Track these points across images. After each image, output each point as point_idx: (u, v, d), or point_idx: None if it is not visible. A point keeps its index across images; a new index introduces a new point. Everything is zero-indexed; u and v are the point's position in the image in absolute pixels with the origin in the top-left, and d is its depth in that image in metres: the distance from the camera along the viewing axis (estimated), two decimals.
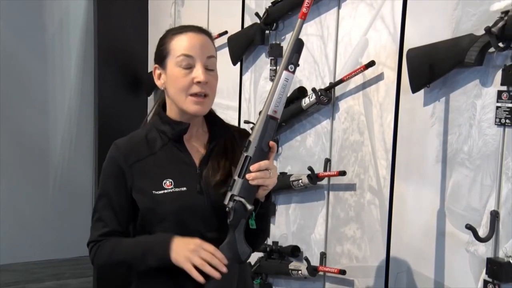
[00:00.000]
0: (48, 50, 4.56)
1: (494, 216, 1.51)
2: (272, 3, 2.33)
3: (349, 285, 2.05)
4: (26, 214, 4.48)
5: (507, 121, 1.46)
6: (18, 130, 4.44)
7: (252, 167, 1.34)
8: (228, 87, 2.71)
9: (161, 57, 1.44)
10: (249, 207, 1.35)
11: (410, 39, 1.77)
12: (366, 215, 1.97)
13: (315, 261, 2.16)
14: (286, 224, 2.35)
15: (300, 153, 2.28)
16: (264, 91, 2.47)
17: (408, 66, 1.71)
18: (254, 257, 2.27)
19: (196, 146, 1.47)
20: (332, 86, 2.06)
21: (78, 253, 4.67)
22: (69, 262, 4.58)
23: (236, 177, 1.36)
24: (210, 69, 1.42)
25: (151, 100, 3.72)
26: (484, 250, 1.54)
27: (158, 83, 1.47)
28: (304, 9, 1.39)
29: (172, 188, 1.38)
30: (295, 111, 2.18)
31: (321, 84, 2.15)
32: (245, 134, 1.56)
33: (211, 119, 1.51)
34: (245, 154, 1.36)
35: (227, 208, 1.37)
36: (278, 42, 2.37)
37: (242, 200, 1.35)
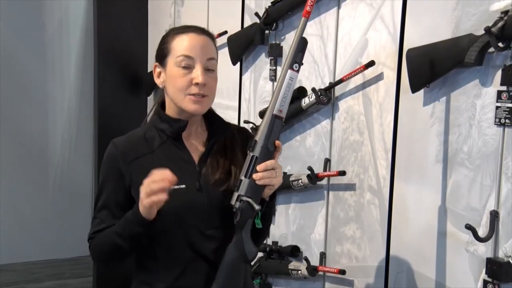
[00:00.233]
0: (48, 50, 4.56)
1: (494, 216, 1.51)
2: (272, 3, 2.33)
3: (349, 285, 2.05)
4: (25, 214, 4.49)
5: (507, 121, 1.46)
6: (18, 130, 4.45)
7: (258, 167, 1.35)
8: (228, 87, 2.71)
9: (162, 56, 1.44)
10: (257, 207, 1.35)
11: (410, 39, 1.77)
12: (366, 215, 1.97)
13: (314, 261, 2.16)
14: (286, 224, 2.35)
15: (299, 153, 2.28)
16: (264, 91, 2.47)
17: (408, 66, 1.71)
18: None
19: (195, 144, 1.47)
20: (332, 86, 2.06)
21: (77, 253, 4.68)
22: (69, 262, 4.59)
23: (242, 177, 1.37)
24: (209, 71, 1.42)
25: (151, 100, 3.72)
26: (484, 250, 1.54)
27: (158, 81, 1.47)
28: (307, 8, 1.39)
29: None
30: (295, 111, 2.17)
31: (320, 84, 2.15)
32: (244, 132, 1.56)
33: (210, 117, 1.51)
34: (251, 154, 1.37)
35: (234, 209, 1.37)
36: (278, 42, 2.37)
37: (250, 200, 1.35)
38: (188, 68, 1.39)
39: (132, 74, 3.75)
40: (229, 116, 2.64)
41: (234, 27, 2.63)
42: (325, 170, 2.11)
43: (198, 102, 1.40)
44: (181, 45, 1.40)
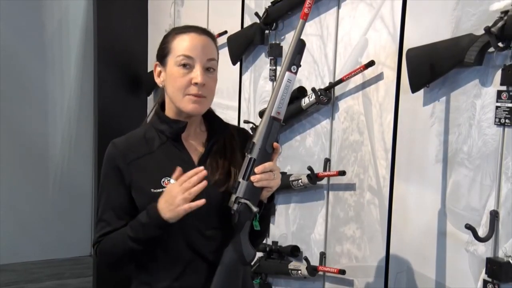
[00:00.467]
0: (47, 50, 4.56)
1: (494, 216, 1.51)
2: (271, 3, 2.33)
3: (349, 285, 2.05)
4: (25, 214, 4.49)
5: (507, 121, 1.46)
6: (18, 130, 4.45)
7: (256, 169, 1.35)
8: (227, 87, 2.71)
9: (163, 55, 1.44)
10: (254, 209, 1.35)
11: (410, 39, 1.77)
12: (366, 215, 1.97)
13: (314, 261, 2.16)
14: (286, 224, 2.35)
15: (299, 153, 2.28)
16: (264, 91, 2.47)
17: (408, 66, 1.71)
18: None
19: (195, 145, 1.47)
20: (332, 86, 2.06)
21: (77, 253, 4.68)
22: (69, 262, 4.59)
23: (240, 179, 1.37)
24: (209, 71, 1.42)
25: (150, 100, 3.72)
26: (484, 250, 1.54)
27: (158, 80, 1.47)
28: (305, 10, 1.39)
29: None
30: (295, 111, 2.17)
31: (320, 84, 2.15)
32: (243, 132, 1.56)
33: (210, 118, 1.50)
34: (249, 156, 1.37)
35: (232, 211, 1.37)
36: (277, 42, 2.37)
37: (248, 202, 1.35)
38: (188, 68, 1.39)
39: (132, 74, 3.76)
40: (229, 116, 2.64)
41: (234, 27, 2.63)
42: (325, 170, 2.11)
43: (196, 102, 1.40)
44: (182, 44, 1.40)
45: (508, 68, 1.45)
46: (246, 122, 2.45)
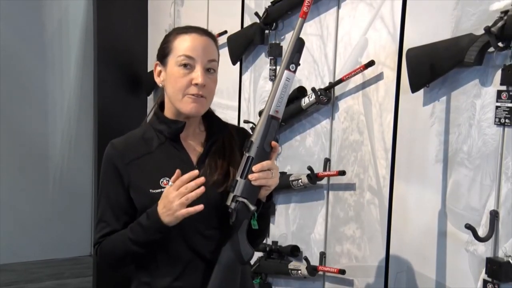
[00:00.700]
0: (47, 50, 4.56)
1: (494, 215, 1.51)
2: (271, 2, 2.33)
3: (349, 285, 2.05)
4: (25, 214, 4.49)
5: (507, 120, 1.46)
6: (18, 130, 4.45)
7: (254, 168, 1.35)
8: (227, 86, 2.71)
9: (163, 55, 1.44)
10: (252, 207, 1.35)
11: (410, 39, 1.77)
12: (366, 214, 1.97)
13: (314, 261, 2.16)
14: (286, 224, 2.35)
15: (299, 153, 2.28)
16: (264, 90, 2.47)
17: (408, 66, 1.71)
18: (254, 256, 2.27)
19: (193, 145, 1.47)
20: (332, 85, 2.06)
21: (77, 252, 4.68)
22: (69, 261, 4.59)
23: (238, 178, 1.37)
24: (210, 72, 1.42)
25: (150, 100, 3.72)
26: (484, 250, 1.54)
27: (158, 80, 1.47)
28: (304, 8, 1.39)
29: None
30: (295, 111, 2.17)
31: (320, 84, 2.15)
32: (243, 132, 1.56)
33: (209, 118, 1.50)
34: (247, 155, 1.37)
35: (229, 209, 1.37)
36: (277, 42, 2.37)
37: (245, 201, 1.35)
38: (189, 68, 1.39)
39: (132, 74, 3.76)
40: (229, 116, 2.64)
41: (234, 27, 2.63)
42: (325, 170, 2.11)
43: (195, 102, 1.40)
44: (183, 45, 1.40)
45: (508, 68, 1.45)
46: (246, 122, 2.45)
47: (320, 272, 2.12)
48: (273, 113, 1.38)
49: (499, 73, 1.48)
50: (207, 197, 1.40)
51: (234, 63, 2.62)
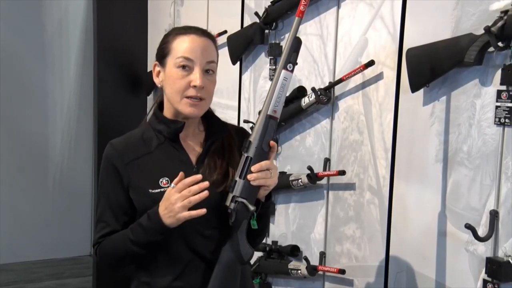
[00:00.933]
0: (47, 50, 4.56)
1: (494, 215, 1.51)
2: (271, 2, 2.33)
3: (349, 285, 2.05)
4: (25, 214, 4.49)
5: (507, 120, 1.46)
6: (18, 130, 4.45)
7: (253, 168, 1.34)
8: (227, 86, 2.71)
9: (162, 55, 1.44)
10: (251, 207, 1.35)
11: (410, 39, 1.77)
12: (366, 214, 1.97)
13: (314, 261, 2.16)
14: (286, 224, 2.35)
15: (299, 153, 2.28)
16: (264, 90, 2.47)
17: (408, 66, 1.71)
18: (254, 256, 2.26)
19: (193, 145, 1.47)
20: (332, 85, 2.06)
21: (77, 252, 4.68)
22: (68, 261, 4.59)
23: (237, 178, 1.36)
24: (209, 74, 1.41)
25: (150, 100, 3.72)
26: (484, 250, 1.54)
27: (156, 80, 1.47)
28: (301, 7, 1.39)
29: (168, 186, 1.37)
30: (295, 111, 2.17)
31: (320, 84, 2.15)
32: (242, 132, 1.56)
33: (208, 118, 1.50)
34: (246, 155, 1.36)
35: (228, 210, 1.37)
36: (277, 42, 2.37)
37: (244, 201, 1.35)
38: (188, 69, 1.39)
39: (132, 73, 3.76)
40: (229, 116, 2.64)
41: (233, 27, 2.63)
42: (324, 169, 2.11)
43: (194, 106, 1.40)
44: (182, 46, 1.40)
45: (508, 67, 1.45)
46: (246, 121, 2.45)
47: (320, 272, 2.12)
48: (271, 112, 1.37)
49: (499, 73, 1.48)
50: (207, 197, 1.40)
51: (234, 63, 2.62)
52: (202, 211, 1.31)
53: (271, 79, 2.39)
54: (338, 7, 2.08)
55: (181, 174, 1.33)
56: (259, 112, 1.40)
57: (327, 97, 2.06)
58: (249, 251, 1.40)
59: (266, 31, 2.42)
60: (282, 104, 1.39)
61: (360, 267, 2.00)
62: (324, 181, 2.14)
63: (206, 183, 1.31)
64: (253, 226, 1.40)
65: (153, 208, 1.35)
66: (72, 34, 4.66)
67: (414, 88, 1.70)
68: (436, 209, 1.70)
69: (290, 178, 2.19)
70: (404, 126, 1.82)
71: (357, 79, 1.98)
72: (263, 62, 2.49)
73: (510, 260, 1.47)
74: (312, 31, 2.19)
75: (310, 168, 2.10)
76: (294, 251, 2.26)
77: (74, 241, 4.63)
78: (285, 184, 2.20)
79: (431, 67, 1.62)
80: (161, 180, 1.39)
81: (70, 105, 4.71)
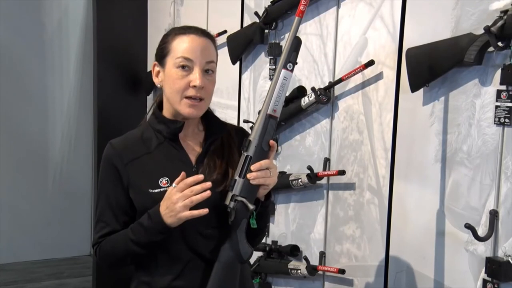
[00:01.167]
0: (47, 50, 4.56)
1: (493, 215, 1.51)
2: (271, 2, 2.33)
3: (349, 285, 2.05)
4: (25, 214, 4.49)
5: (506, 120, 1.46)
6: (18, 130, 4.45)
7: (252, 167, 1.35)
8: (227, 86, 2.71)
9: (162, 55, 1.44)
10: (251, 207, 1.35)
11: (410, 38, 1.77)
12: (366, 214, 1.97)
13: (314, 261, 2.16)
14: (286, 224, 2.35)
15: (299, 153, 2.28)
16: (264, 90, 2.47)
17: (408, 66, 1.71)
18: (254, 256, 2.27)
19: (192, 145, 1.47)
20: (332, 85, 2.06)
21: (77, 252, 4.68)
22: (68, 261, 4.59)
23: (237, 177, 1.37)
24: (208, 74, 1.41)
25: (150, 100, 3.72)
26: (483, 249, 1.54)
27: (156, 80, 1.47)
28: (301, 7, 1.39)
29: (168, 186, 1.37)
30: (295, 111, 2.17)
31: (320, 84, 2.15)
32: (241, 132, 1.56)
33: (208, 117, 1.50)
34: (246, 154, 1.37)
35: (228, 209, 1.37)
36: (277, 41, 2.37)
37: (244, 200, 1.35)
38: (187, 70, 1.39)
39: (132, 73, 3.76)
40: (229, 116, 2.64)
41: (233, 27, 2.63)
42: (324, 169, 2.11)
43: (193, 106, 1.40)
44: (181, 46, 1.40)
45: (507, 67, 1.45)
46: (245, 121, 2.45)
47: (320, 272, 2.12)
48: (271, 112, 1.38)
49: (498, 73, 1.48)
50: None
51: (233, 62, 2.62)
52: (204, 211, 1.31)
53: (271, 79, 2.39)
54: (338, 7, 2.08)
55: (182, 174, 1.33)
56: (259, 112, 1.40)
57: (327, 97, 2.06)
58: (249, 250, 1.40)
59: (266, 31, 2.42)
60: (282, 104, 1.39)
61: (360, 267, 2.00)
62: (324, 181, 2.14)
63: (208, 183, 1.31)
64: (252, 225, 1.40)
65: (154, 207, 1.35)
66: (72, 34, 4.66)
67: (413, 88, 1.70)
68: (436, 209, 1.70)
69: (290, 178, 2.19)
70: (403, 126, 1.82)
71: (357, 79, 1.98)
72: (263, 62, 2.49)
73: (510, 260, 1.47)
74: (312, 31, 2.19)
75: (310, 168, 2.10)
76: (294, 251, 2.26)
77: (73, 241, 4.63)
78: (285, 184, 2.20)
79: (431, 67, 1.62)
80: (160, 180, 1.39)
81: (70, 105, 4.71)
